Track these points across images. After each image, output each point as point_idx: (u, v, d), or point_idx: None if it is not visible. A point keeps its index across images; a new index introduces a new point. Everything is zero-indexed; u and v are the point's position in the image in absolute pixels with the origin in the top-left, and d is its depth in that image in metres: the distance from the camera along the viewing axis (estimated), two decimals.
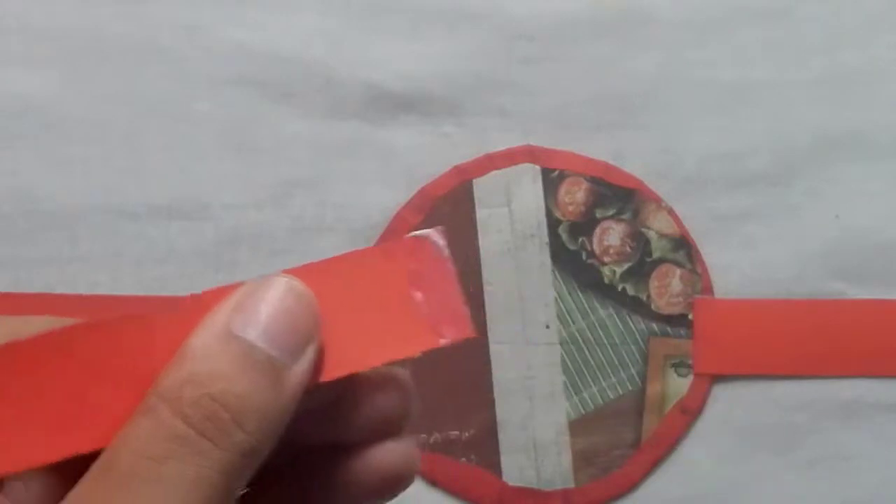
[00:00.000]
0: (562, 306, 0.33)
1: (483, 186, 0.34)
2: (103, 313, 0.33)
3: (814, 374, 0.33)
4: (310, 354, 0.18)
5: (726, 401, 0.33)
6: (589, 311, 0.33)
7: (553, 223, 0.34)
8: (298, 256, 0.34)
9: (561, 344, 0.33)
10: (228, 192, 0.34)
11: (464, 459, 0.33)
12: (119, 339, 0.18)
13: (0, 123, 0.34)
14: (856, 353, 0.33)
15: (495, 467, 0.33)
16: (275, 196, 0.34)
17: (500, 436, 0.33)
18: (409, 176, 0.34)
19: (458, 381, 0.33)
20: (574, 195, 0.34)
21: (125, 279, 0.34)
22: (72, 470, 0.17)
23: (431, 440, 0.33)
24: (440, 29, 0.35)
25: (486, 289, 0.33)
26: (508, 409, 0.33)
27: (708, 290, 0.33)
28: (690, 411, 0.33)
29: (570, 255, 0.33)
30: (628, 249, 0.34)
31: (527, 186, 0.34)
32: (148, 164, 0.34)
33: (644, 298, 0.34)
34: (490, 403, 0.33)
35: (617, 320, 0.33)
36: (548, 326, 0.33)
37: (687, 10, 0.35)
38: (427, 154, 0.34)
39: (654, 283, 0.34)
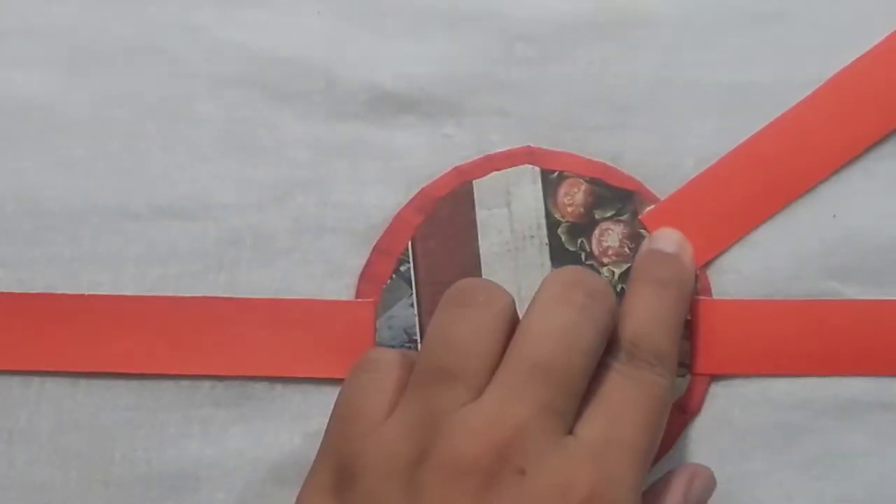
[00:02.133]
0: None
1: (483, 187, 0.34)
2: (105, 313, 0.33)
3: (812, 374, 0.33)
4: None
5: (724, 400, 0.33)
6: None
7: (552, 224, 0.34)
8: (299, 256, 0.34)
9: None
10: (229, 193, 0.34)
11: None
12: None
13: (2, 124, 0.35)
14: (854, 352, 0.33)
15: None
16: (275, 196, 0.34)
17: None
18: (410, 177, 0.34)
19: None
20: (573, 196, 0.34)
21: (127, 279, 0.34)
22: None
23: None
24: (441, 30, 0.35)
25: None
26: None
27: (706, 290, 0.33)
28: (689, 411, 0.33)
29: (569, 255, 0.34)
30: (627, 250, 0.34)
31: (526, 187, 0.34)
32: (149, 164, 0.35)
33: None
34: None
35: None
36: None
37: (686, 12, 0.35)
38: (427, 155, 0.34)
39: None
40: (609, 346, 0.29)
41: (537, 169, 0.34)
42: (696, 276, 0.33)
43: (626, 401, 0.28)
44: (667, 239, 0.33)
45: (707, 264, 0.34)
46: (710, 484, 0.30)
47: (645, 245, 0.33)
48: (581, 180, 0.34)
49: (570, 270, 0.30)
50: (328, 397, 0.33)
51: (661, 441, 0.29)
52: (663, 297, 0.30)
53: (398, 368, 0.29)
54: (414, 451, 0.27)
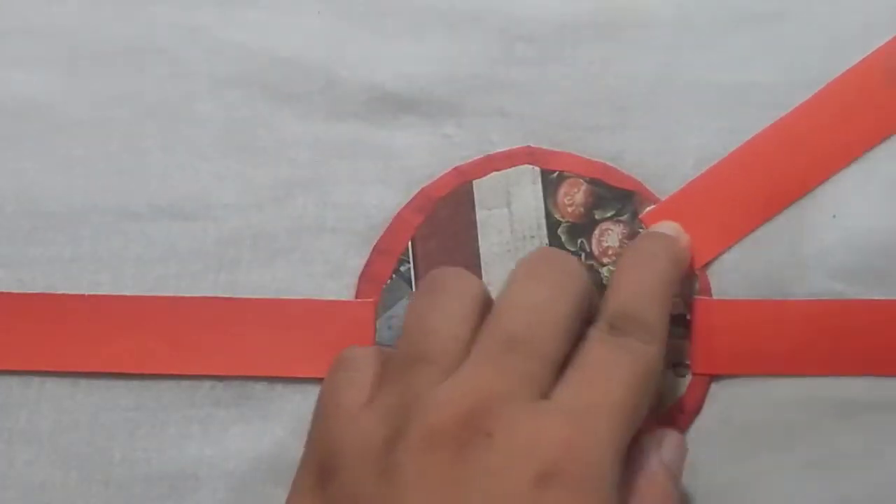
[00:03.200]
0: None
1: (483, 187, 0.34)
2: (105, 313, 0.33)
3: (812, 374, 0.33)
4: None
5: (724, 400, 0.33)
6: None
7: (552, 224, 0.34)
8: (299, 256, 0.34)
9: None
10: (229, 192, 0.34)
11: None
12: None
13: (2, 124, 0.35)
14: (854, 352, 0.33)
15: None
16: (275, 196, 0.34)
17: None
18: (410, 177, 0.34)
19: None
20: (573, 196, 0.34)
21: (127, 279, 0.34)
22: None
23: None
24: (441, 30, 0.35)
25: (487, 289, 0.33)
26: None
27: (706, 290, 0.33)
28: (689, 411, 0.33)
29: None
30: None
31: (526, 188, 0.34)
32: (149, 164, 0.35)
33: None
34: None
35: None
36: None
37: (686, 12, 0.35)
38: (427, 155, 0.35)
39: None
40: (593, 320, 0.29)
41: (537, 169, 0.34)
42: (696, 276, 0.33)
43: (605, 364, 0.28)
44: (664, 226, 0.33)
45: (707, 264, 0.34)
46: (683, 448, 0.30)
47: (643, 234, 0.33)
48: (581, 180, 0.34)
49: (544, 250, 0.30)
50: None
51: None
52: (652, 268, 0.30)
53: (375, 364, 0.30)
54: (388, 433, 0.27)
